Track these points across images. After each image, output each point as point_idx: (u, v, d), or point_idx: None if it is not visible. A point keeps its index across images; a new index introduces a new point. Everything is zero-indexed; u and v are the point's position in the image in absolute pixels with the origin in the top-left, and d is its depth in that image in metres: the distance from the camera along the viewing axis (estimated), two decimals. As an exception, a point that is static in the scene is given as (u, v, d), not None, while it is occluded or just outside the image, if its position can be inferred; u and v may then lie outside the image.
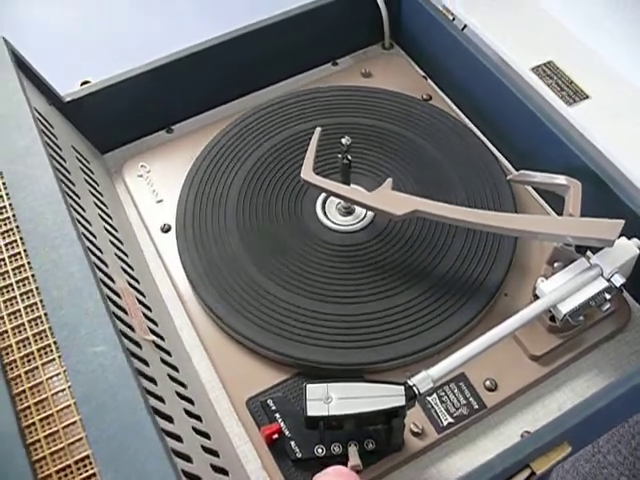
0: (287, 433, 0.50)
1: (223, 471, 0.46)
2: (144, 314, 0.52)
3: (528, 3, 0.70)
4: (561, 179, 0.56)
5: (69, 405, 0.40)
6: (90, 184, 0.61)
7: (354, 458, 0.48)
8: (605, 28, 0.65)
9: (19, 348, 0.42)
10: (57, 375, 0.41)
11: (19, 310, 0.44)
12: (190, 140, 0.70)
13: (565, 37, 0.66)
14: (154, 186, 0.66)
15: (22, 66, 0.60)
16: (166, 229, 0.63)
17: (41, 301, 0.44)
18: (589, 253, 0.54)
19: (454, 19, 0.70)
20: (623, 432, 1.23)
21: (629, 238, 0.53)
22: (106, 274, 0.48)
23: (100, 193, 0.62)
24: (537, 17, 0.69)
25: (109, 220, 0.59)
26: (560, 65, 0.64)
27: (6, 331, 0.43)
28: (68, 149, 0.60)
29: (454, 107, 0.73)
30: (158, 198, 0.66)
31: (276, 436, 0.50)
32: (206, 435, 0.48)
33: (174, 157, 0.69)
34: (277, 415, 0.51)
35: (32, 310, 0.44)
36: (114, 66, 0.69)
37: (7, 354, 0.42)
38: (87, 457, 0.38)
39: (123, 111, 0.69)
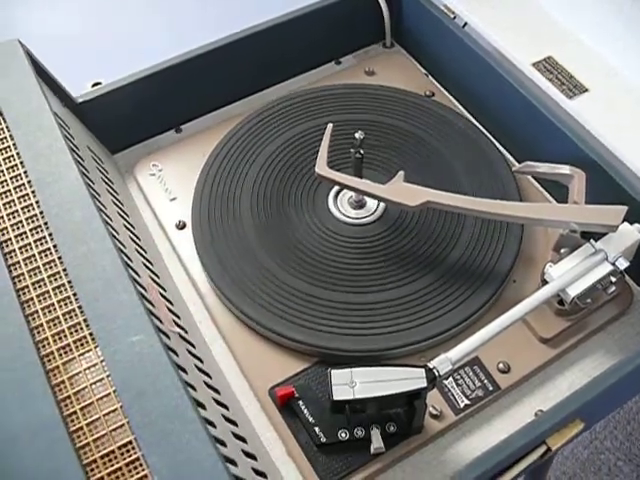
0: (311, 420, 0.52)
1: (252, 456, 0.48)
2: (167, 307, 0.54)
3: (528, 1, 0.72)
4: (565, 169, 0.59)
5: (109, 394, 0.41)
6: (106, 183, 0.62)
7: (377, 441, 0.50)
8: (600, 23, 0.68)
9: (55, 340, 0.44)
10: (94, 365, 0.43)
11: (53, 304, 0.45)
12: (200, 139, 0.71)
13: (563, 33, 0.69)
14: (167, 184, 0.68)
15: (37, 68, 0.61)
16: (181, 226, 0.65)
17: (74, 294, 0.45)
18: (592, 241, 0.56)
19: (455, 17, 0.72)
20: (619, 418, 1.26)
21: (631, 223, 0.55)
22: (132, 269, 0.50)
23: (115, 192, 0.63)
24: (535, 14, 0.71)
25: (126, 218, 0.61)
26: (559, 60, 0.66)
27: (41, 324, 0.44)
28: (84, 149, 0.61)
29: (456, 103, 0.75)
30: (172, 196, 0.67)
31: (289, 397, 0.53)
32: (234, 423, 0.50)
33: (185, 156, 0.70)
34: (300, 403, 0.53)
35: (65, 304, 0.45)
36: (117, 68, 0.71)
37: (44, 346, 0.43)
38: (130, 442, 0.39)
39: (133, 112, 0.70)
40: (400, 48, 0.81)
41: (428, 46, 0.77)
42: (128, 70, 0.70)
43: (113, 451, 0.39)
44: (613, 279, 0.55)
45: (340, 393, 0.46)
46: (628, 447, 1.23)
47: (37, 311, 0.45)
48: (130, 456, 0.39)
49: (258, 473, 0.47)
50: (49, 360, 0.43)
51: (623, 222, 0.54)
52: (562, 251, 0.57)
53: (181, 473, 0.37)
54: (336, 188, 0.64)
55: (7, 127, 0.54)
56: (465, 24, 0.71)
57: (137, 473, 0.38)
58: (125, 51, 0.81)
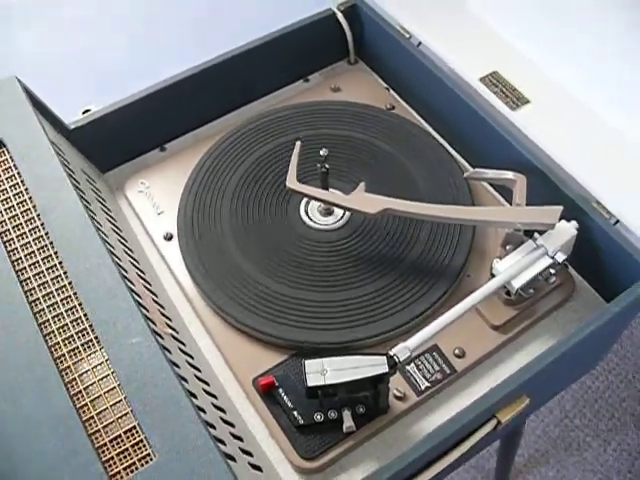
0: (290, 405, 0.59)
1: (239, 438, 0.55)
2: (160, 312, 0.61)
3: (476, 22, 0.80)
4: (509, 174, 0.66)
5: (114, 387, 0.48)
6: (100, 202, 0.69)
7: (348, 421, 0.57)
8: (540, 39, 0.75)
9: (65, 344, 0.51)
10: (100, 364, 0.50)
11: (62, 313, 0.52)
12: (182, 157, 0.78)
13: (507, 50, 0.76)
14: (154, 199, 0.75)
15: (34, 101, 0.68)
16: (168, 237, 0.72)
17: (80, 304, 0.52)
18: (536, 235, 0.63)
19: (410, 37, 0.79)
20: (587, 397, 1.34)
21: (568, 221, 0.62)
22: (128, 279, 0.57)
23: (108, 209, 0.70)
24: (482, 33, 0.78)
25: (119, 232, 0.68)
26: (504, 75, 0.74)
27: (53, 331, 0.51)
28: (79, 172, 0.68)
29: (415, 115, 0.82)
30: (159, 210, 0.74)
31: (270, 386, 0.60)
32: (222, 410, 0.57)
33: (170, 173, 0.77)
34: (280, 390, 0.60)
35: (73, 312, 0.52)
36: (94, 94, 0.77)
37: (56, 350, 0.50)
38: (134, 427, 0.46)
39: (121, 134, 0.77)
40: (363, 64, 0.89)
41: (387, 63, 0.84)
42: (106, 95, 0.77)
43: (120, 435, 0.46)
44: (553, 271, 0.62)
45: (313, 380, 0.53)
46: (596, 424, 1.31)
47: (48, 320, 0.52)
48: (135, 439, 0.46)
49: (245, 452, 0.54)
50: (61, 361, 0.50)
51: (560, 220, 0.61)
52: (507, 247, 0.64)
53: (179, 451, 0.44)
54: (306, 198, 0.71)
55: (11, 158, 0.61)
56: (419, 43, 0.78)
57: (141, 452, 0.45)
58: (103, 76, 0.87)
